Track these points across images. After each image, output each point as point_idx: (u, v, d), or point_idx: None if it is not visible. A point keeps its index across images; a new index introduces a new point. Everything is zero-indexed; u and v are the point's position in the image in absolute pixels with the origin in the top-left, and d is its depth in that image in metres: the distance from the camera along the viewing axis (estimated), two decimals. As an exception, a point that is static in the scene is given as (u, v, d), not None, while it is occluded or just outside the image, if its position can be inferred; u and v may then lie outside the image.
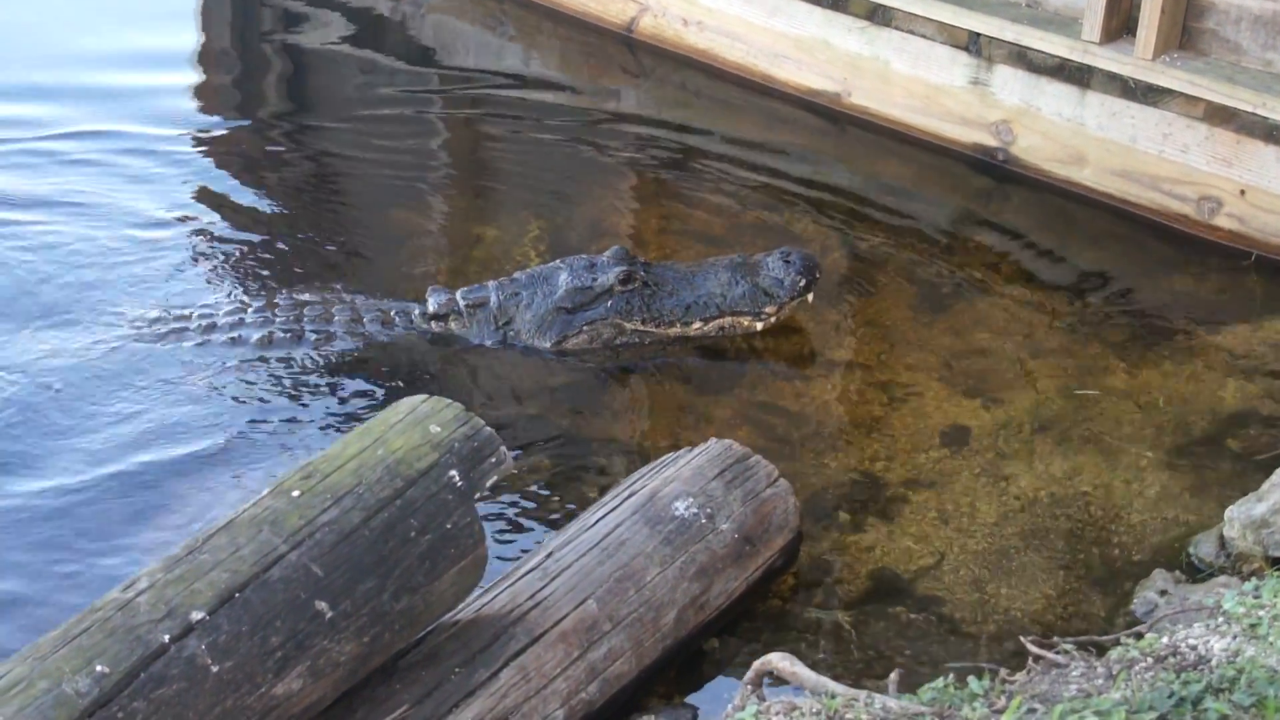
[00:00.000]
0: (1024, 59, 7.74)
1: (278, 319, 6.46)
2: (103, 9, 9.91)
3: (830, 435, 6.08)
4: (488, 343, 6.47)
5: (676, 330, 6.51)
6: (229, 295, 6.76)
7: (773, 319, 6.57)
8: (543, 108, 8.73)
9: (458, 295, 6.57)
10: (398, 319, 6.54)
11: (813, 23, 8.50)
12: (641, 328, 6.49)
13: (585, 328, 6.46)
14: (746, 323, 6.56)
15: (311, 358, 6.35)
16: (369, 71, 9.14)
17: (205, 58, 9.40)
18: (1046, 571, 5.38)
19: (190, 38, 9.61)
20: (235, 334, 6.40)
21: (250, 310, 6.52)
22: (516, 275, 6.65)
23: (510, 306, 6.50)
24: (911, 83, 8.21)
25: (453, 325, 6.53)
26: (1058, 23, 7.68)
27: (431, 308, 6.54)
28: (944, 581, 5.34)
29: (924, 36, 8.08)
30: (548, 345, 6.44)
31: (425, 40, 9.55)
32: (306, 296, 6.62)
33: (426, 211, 7.65)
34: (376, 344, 6.43)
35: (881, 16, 8.21)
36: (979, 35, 7.86)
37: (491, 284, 6.60)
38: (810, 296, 6.58)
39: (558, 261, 6.66)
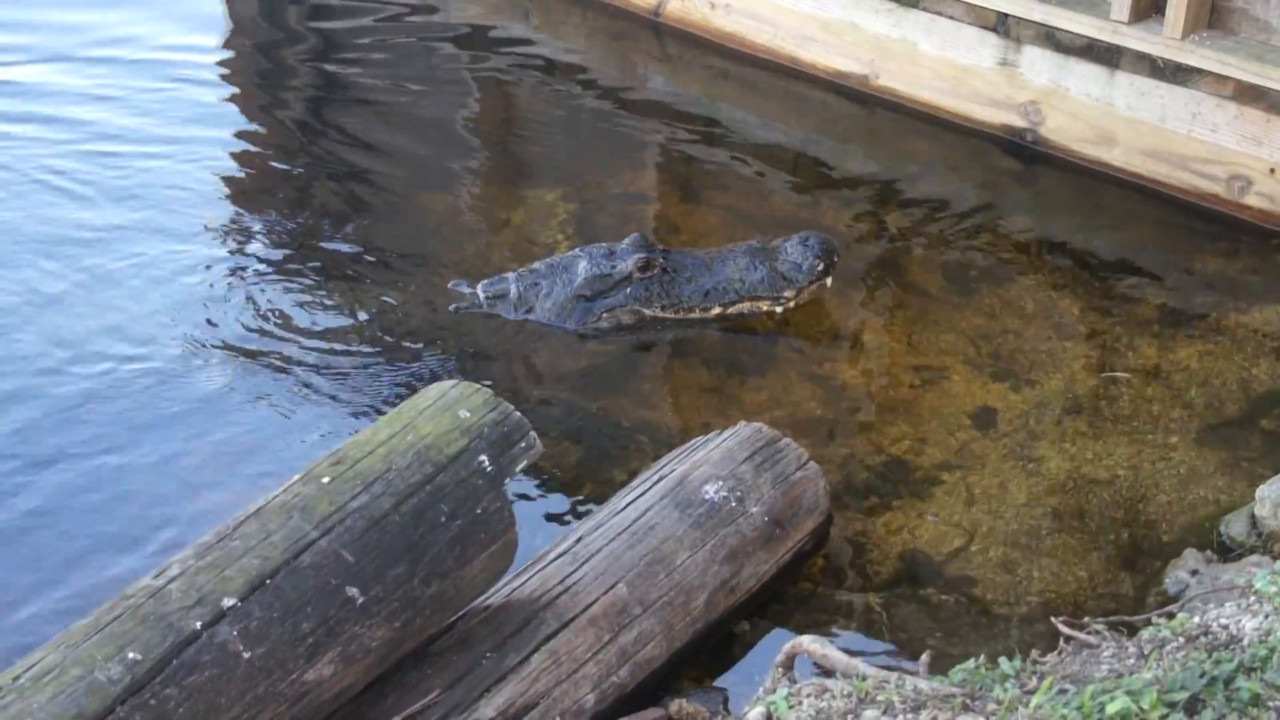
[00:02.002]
0: (1052, 39, 7.70)
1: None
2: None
3: (859, 417, 6.07)
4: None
5: (696, 315, 6.53)
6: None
7: (791, 303, 6.57)
8: (570, 92, 8.72)
9: (479, 288, 6.59)
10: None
11: (840, 5, 8.47)
12: (661, 314, 6.50)
13: (605, 315, 6.47)
14: (765, 307, 6.57)
15: (337, 348, 6.37)
16: (396, 59, 9.13)
17: (233, 45, 9.42)
18: (1077, 552, 5.37)
19: (217, 29, 9.63)
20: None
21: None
22: (536, 265, 6.66)
23: (530, 296, 6.52)
24: (939, 64, 8.18)
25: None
26: (1086, 2, 7.62)
27: (456, 301, 6.58)
28: (974, 563, 5.34)
29: (951, 18, 8.05)
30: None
31: (453, 28, 9.54)
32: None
33: (454, 196, 7.65)
34: (401, 330, 6.45)
35: (909, -2, 8.20)
36: (1007, 16, 7.82)
37: (511, 275, 6.62)
38: (829, 281, 6.58)
39: (577, 250, 6.68)
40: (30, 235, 7.24)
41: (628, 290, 6.48)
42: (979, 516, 5.53)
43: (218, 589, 3.76)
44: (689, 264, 6.58)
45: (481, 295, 6.55)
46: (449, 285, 6.66)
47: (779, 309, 6.58)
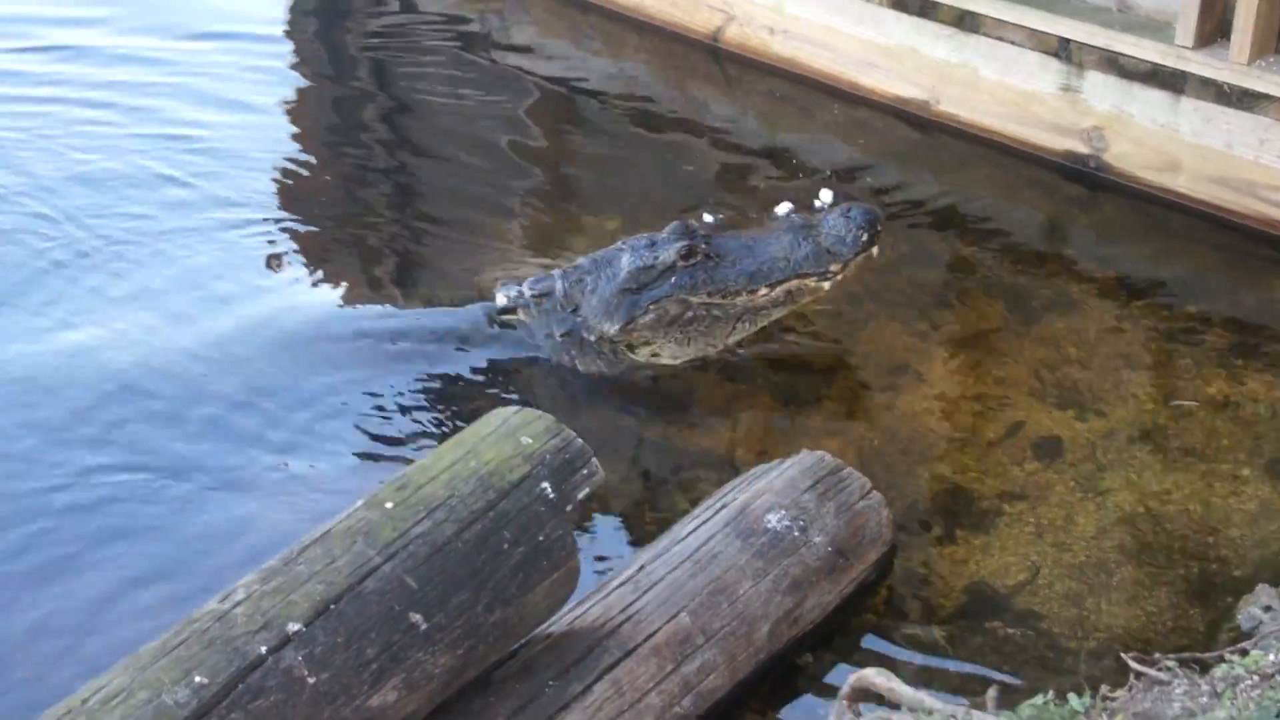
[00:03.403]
0: (1115, 64, 7.63)
1: None
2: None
3: (922, 447, 6.01)
4: (556, 332, 6.39)
5: (743, 299, 6.37)
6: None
7: (839, 277, 6.42)
8: (629, 116, 8.71)
9: (524, 286, 6.52)
10: (467, 323, 6.53)
11: (900, 30, 8.43)
12: (708, 300, 6.35)
13: (651, 307, 6.33)
14: (813, 284, 6.41)
15: (391, 367, 6.36)
16: (456, 83, 9.14)
17: (298, 69, 9.46)
18: (1146, 586, 5.30)
19: (280, 49, 9.67)
20: None
21: None
22: (580, 261, 6.57)
23: (575, 293, 6.42)
24: (1001, 89, 8.13)
25: (522, 316, 6.48)
26: (1150, 27, 7.57)
27: (501, 301, 6.50)
28: (1040, 596, 5.27)
29: (1013, 43, 7.99)
30: (616, 329, 6.33)
31: (513, 52, 9.55)
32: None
33: (512, 219, 7.63)
34: (455, 352, 6.43)
35: (970, 23, 8.13)
36: (1069, 41, 7.76)
37: (556, 272, 6.54)
38: (875, 251, 6.44)
39: (619, 243, 6.57)
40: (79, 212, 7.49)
41: (672, 280, 6.33)
42: (1045, 548, 5.46)
43: (283, 614, 3.75)
44: (732, 248, 6.43)
45: (527, 293, 6.47)
46: (497, 286, 6.61)
47: (826, 284, 6.42)
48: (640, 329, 6.34)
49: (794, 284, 6.39)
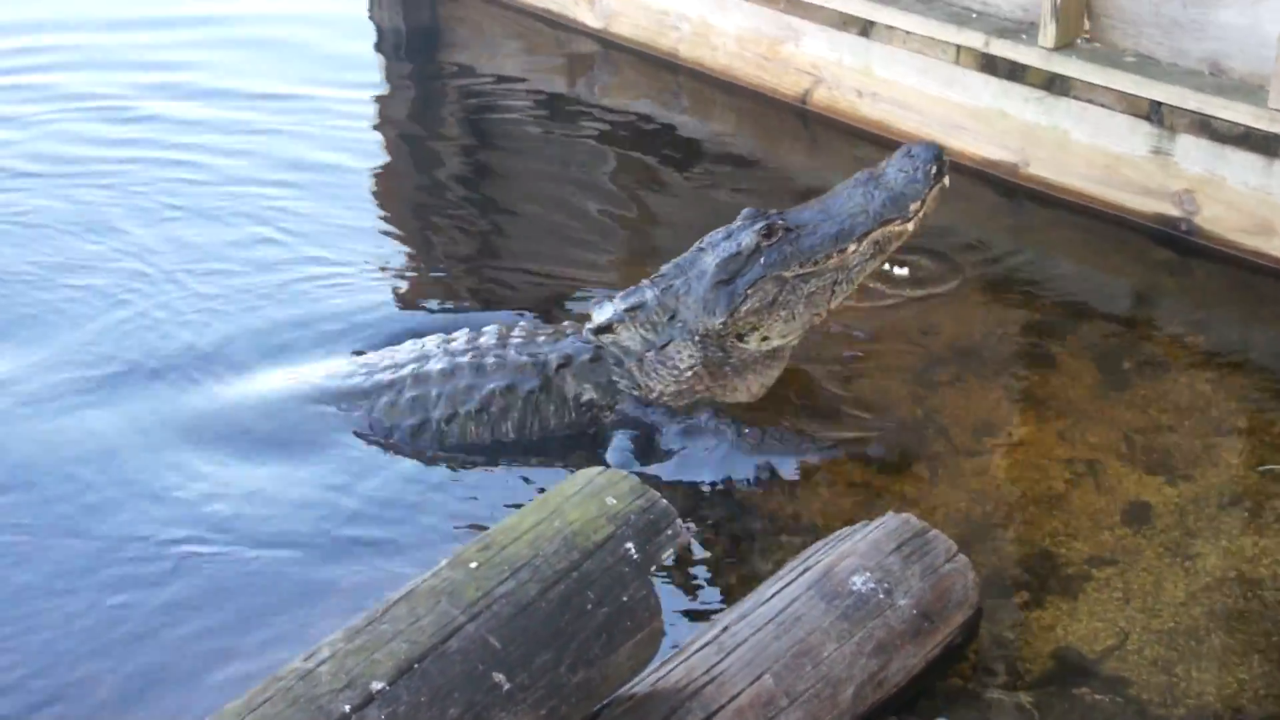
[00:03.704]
0: (1207, 128, 7.59)
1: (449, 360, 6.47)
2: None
3: (1009, 510, 5.97)
4: (654, 350, 6.39)
5: (834, 261, 6.34)
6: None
7: (920, 214, 6.39)
8: (714, 177, 8.75)
9: (615, 301, 6.52)
10: (553, 354, 6.44)
11: (988, 93, 8.43)
12: (801, 271, 6.32)
13: (749, 291, 6.30)
14: (897, 228, 6.38)
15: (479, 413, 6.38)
16: (544, 143, 9.25)
17: (385, 128, 9.59)
18: (1238, 654, 5.22)
19: (369, 119, 9.81)
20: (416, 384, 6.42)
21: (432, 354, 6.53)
22: (663, 269, 6.56)
23: (669, 299, 6.42)
24: (1091, 152, 8.11)
25: (620, 332, 6.46)
26: (1242, 90, 7.53)
27: (598, 320, 6.49)
28: (1129, 662, 5.20)
29: (1103, 106, 7.97)
30: (720, 321, 6.30)
31: (601, 112, 9.63)
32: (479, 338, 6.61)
33: (592, 274, 7.65)
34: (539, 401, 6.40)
35: (1059, 86, 8.13)
36: (1160, 104, 7.73)
37: (644, 283, 6.54)
38: (946, 181, 6.43)
39: (694, 246, 6.56)
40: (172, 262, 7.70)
41: (761, 261, 6.31)
42: (1134, 614, 5.40)
43: (366, 672, 3.77)
44: (808, 217, 6.42)
45: (620, 307, 6.47)
46: (591, 305, 6.63)
47: (910, 225, 6.38)
48: (744, 315, 6.32)
49: (879, 233, 6.37)
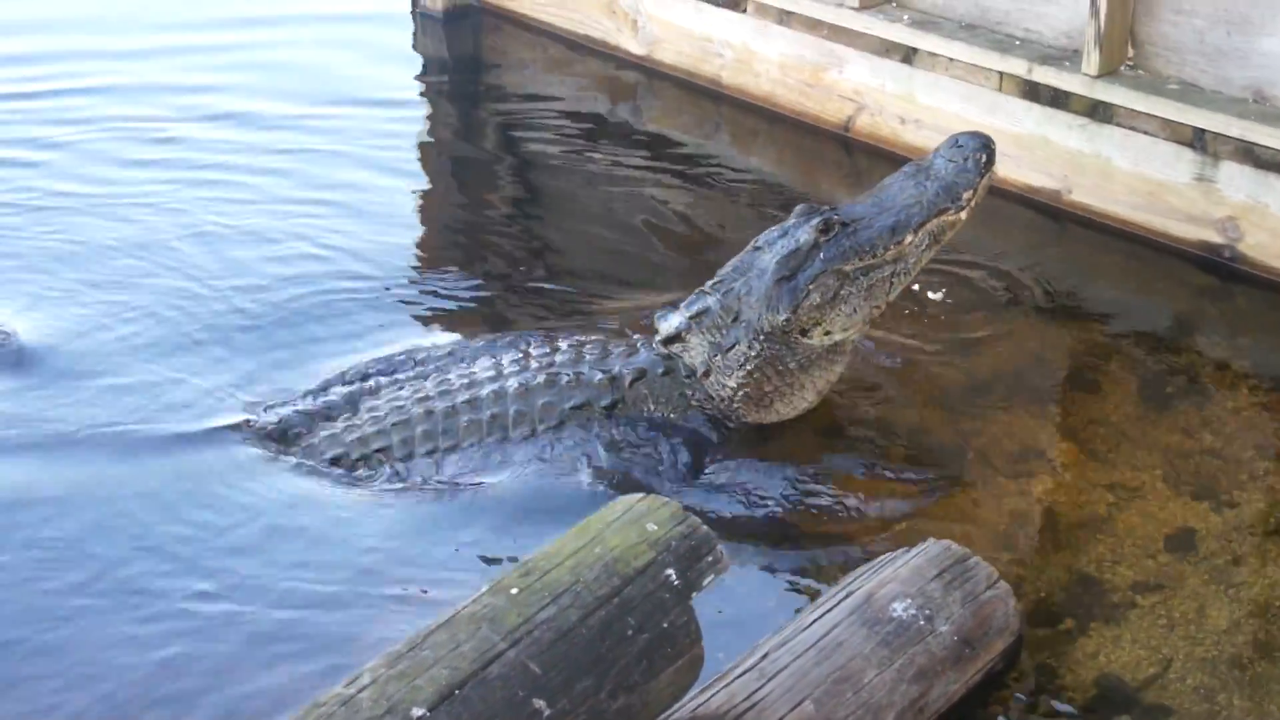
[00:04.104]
0: (1251, 155, 7.58)
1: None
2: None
3: (1052, 536, 5.97)
4: (725, 346, 6.42)
5: (892, 253, 6.40)
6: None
7: (973, 202, 6.47)
8: (758, 204, 8.78)
9: (680, 310, 6.57)
10: (628, 370, 6.47)
11: (1031, 120, 8.44)
12: (860, 264, 6.37)
13: (811, 287, 6.34)
14: (951, 217, 6.45)
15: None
16: (586, 168, 9.29)
17: (428, 154, 9.66)
18: (1280, 682, 5.21)
19: (412, 144, 9.88)
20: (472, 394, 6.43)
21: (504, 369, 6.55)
22: (721, 273, 6.61)
23: (732, 302, 6.46)
24: (1134, 179, 8.10)
25: (689, 339, 6.51)
26: (1286, 117, 7.53)
27: (666, 330, 6.55)
28: (1171, 690, 5.19)
29: (1146, 133, 7.97)
30: (784, 317, 6.33)
31: (644, 138, 9.68)
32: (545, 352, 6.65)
33: (640, 299, 7.67)
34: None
35: (1102, 113, 8.12)
36: (1204, 131, 7.72)
37: (705, 289, 6.59)
38: (995, 169, 6.55)
39: (748, 247, 6.62)
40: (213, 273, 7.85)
41: (820, 256, 6.36)
42: (1177, 641, 5.38)
43: (407, 699, 3.79)
44: (862, 211, 6.48)
45: (685, 315, 6.52)
46: (655, 318, 6.67)
47: (963, 214, 6.47)
48: (807, 311, 6.36)
49: (934, 223, 6.45)
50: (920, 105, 8.96)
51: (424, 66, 11.07)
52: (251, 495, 6.16)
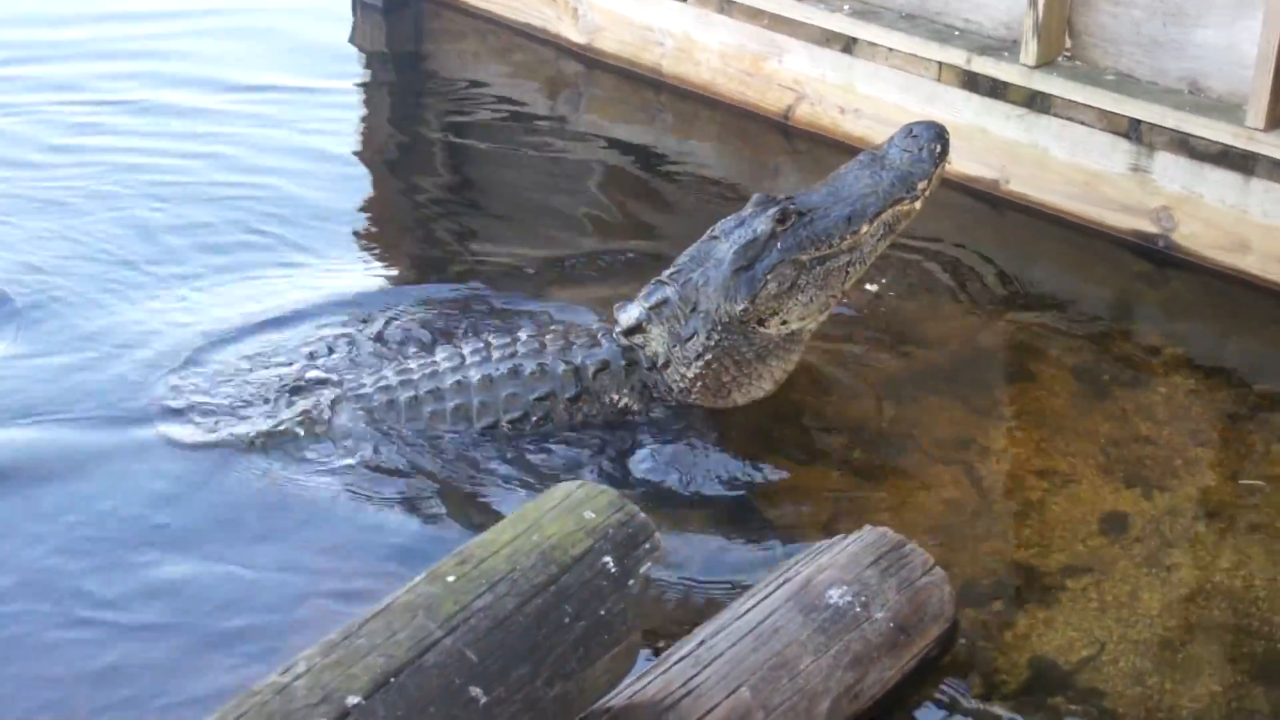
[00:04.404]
0: (1185, 145, 7.65)
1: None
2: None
3: (986, 522, 6.01)
4: (684, 336, 6.45)
5: (849, 242, 6.45)
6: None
7: (927, 192, 6.55)
8: (697, 192, 8.80)
9: (639, 301, 6.58)
10: (590, 361, 6.49)
11: (970, 110, 8.49)
12: (816, 254, 6.42)
13: (769, 276, 6.38)
14: (906, 207, 6.52)
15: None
16: (526, 156, 9.28)
17: (367, 154, 9.62)
18: (1212, 665, 5.27)
19: (349, 132, 9.85)
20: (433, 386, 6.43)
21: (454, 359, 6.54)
22: (678, 262, 6.62)
23: (690, 292, 6.48)
24: (1070, 169, 8.16)
25: (650, 330, 6.52)
26: (1220, 109, 7.59)
27: (626, 321, 6.56)
28: (1104, 673, 5.25)
29: (1083, 123, 8.03)
30: (741, 307, 6.39)
31: (584, 127, 9.68)
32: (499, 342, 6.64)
33: (576, 291, 7.67)
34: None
35: (1040, 104, 8.18)
36: (1139, 122, 7.79)
37: (662, 279, 6.60)
38: (950, 158, 6.62)
39: (705, 235, 6.65)
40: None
41: (778, 246, 6.40)
42: (1110, 625, 5.44)
43: (343, 687, 3.78)
44: (818, 201, 6.52)
45: (644, 306, 6.54)
46: (614, 310, 6.66)
47: (918, 204, 6.55)
48: (764, 300, 6.41)
49: (889, 213, 6.50)
50: (860, 95, 8.99)
51: (362, 54, 11.02)
52: (185, 488, 6.15)
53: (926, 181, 6.52)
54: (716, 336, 6.45)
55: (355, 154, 9.46)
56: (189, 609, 5.53)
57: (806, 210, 6.46)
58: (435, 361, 6.52)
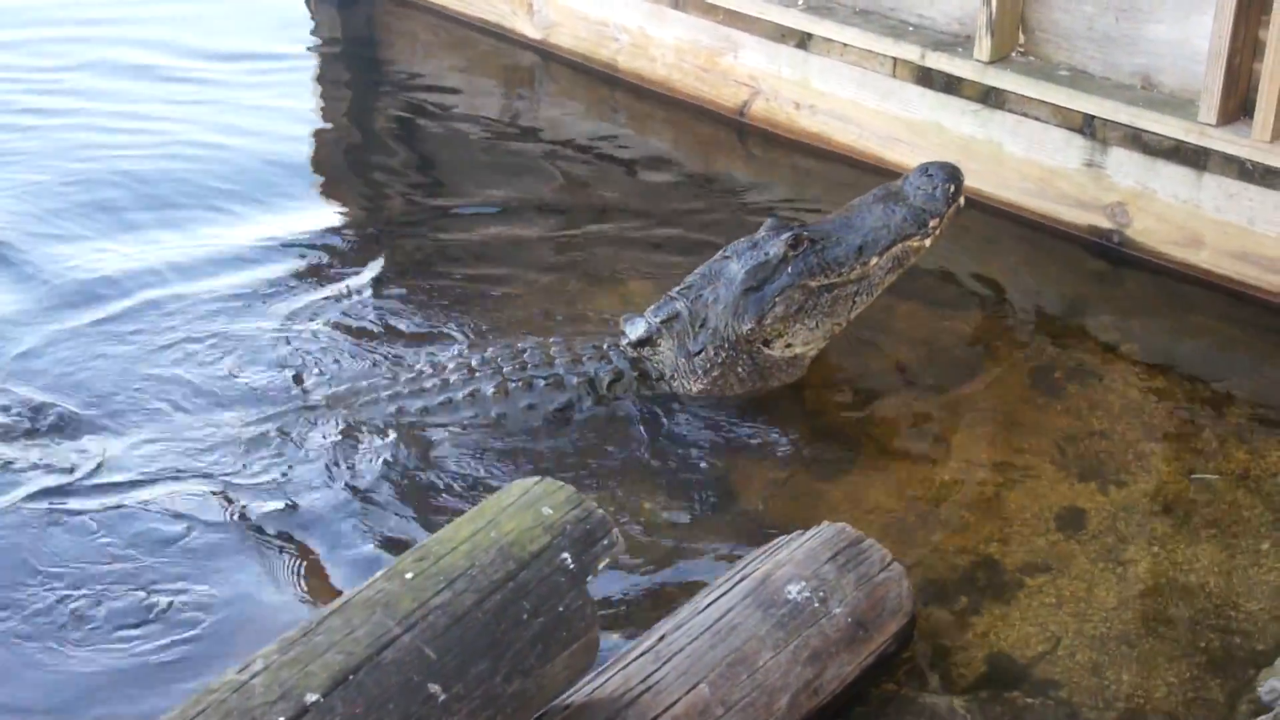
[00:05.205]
0: (1139, 141, 7.68)
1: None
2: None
3: (944, 518, 6.03)
4: (693, 350, 6.56)
5: (858, 273, 6.60)
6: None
7: (939, 231, 6.70)
8: (654, 188, 8.79)
9: (647, 315, 6.70)
10: (604, 373, 6.58)
11: (925, 106, 8.50)
12: (825, 281, 6.57)
13: (778, 299, 6.53)
14: (916, 243, 6.67)
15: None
16: (483, 154, 9.25)
17: (320, 150, 9.56)
18: (1167, 657, 5.29)
19: (303, 128, 9.81)
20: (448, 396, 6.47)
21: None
22: (689, 280, 6.77)
23: (700, 309, 6.61)
24: (1025, 165, 8.19)
25: (661, 345, 6.64)
26: (1173, 105, 7.62)
27: (637, 334, 6.66)
28: (1061, 666, 5.27)
29: (1038, 119, 8.06)
30: (749, 327, 6.53)
31: (539, 124, 9.66)
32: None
33: (537, 296, 7.64)
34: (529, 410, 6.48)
35: (995, 99, 8.20)
36: (1093, 118, 7.82)
37: (673, 294, 6.73)
38: (962, 200, 6.77)
39: (717, 255, 6.78)
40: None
41: (789, 270, 6.54)
42: (1066, 619, 5.46)
43: (301, 684, 3.77)
44: (831, 230, 6.67)
45: (655, 321, 6.65)
46: (622, 320, 6.76)
47: (928, 241, 6.70)
48: (771, 322, 6.55)
49: (899, 248, 6.66)
50: (815, 90, 9.00)
51: (316, 47, 10.96)
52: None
53: (938, 220, 6.67)
54: (724, 354, 6.59)
55: (308, 151, 9.40)
56: (161, 604, 5.51)
57: (819, 238, 6.61)
58: (446, 372, 6.57)
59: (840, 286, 6.61)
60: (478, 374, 6.51)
